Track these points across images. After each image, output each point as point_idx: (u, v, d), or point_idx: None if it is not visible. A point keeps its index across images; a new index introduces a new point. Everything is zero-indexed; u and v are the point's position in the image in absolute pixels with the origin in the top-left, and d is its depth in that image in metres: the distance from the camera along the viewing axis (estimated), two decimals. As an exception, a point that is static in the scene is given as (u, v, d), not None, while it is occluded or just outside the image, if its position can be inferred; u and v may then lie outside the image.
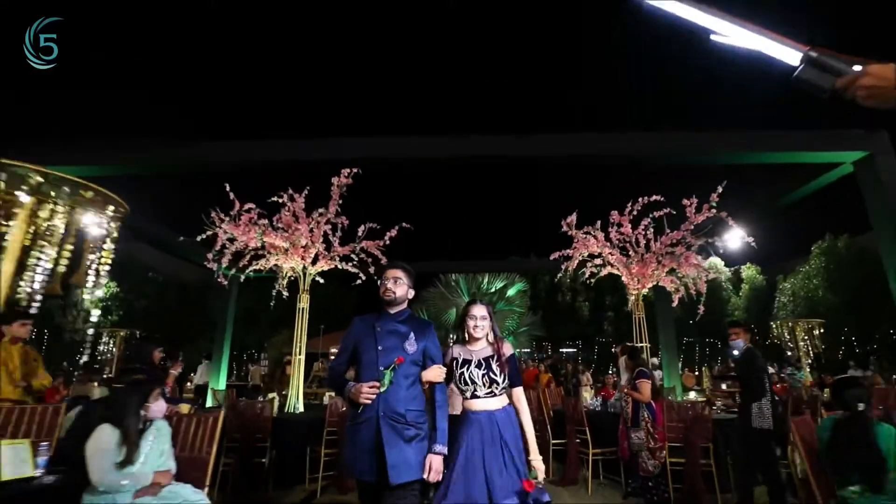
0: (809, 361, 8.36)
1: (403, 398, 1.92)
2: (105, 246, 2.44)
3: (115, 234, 2.49)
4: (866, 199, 4.01)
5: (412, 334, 2.04)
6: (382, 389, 1.88)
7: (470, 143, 4.25)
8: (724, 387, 6.58)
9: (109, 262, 2.52)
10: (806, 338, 8.76)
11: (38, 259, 2.24)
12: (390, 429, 1.85)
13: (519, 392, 2.19)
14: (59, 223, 2.23)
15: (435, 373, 2.02)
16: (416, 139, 4.33)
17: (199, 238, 5.70)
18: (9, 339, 2.94)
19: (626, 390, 3.86)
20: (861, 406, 2.28)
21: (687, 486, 3.76)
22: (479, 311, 2.22)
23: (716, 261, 19.31)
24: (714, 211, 4.94)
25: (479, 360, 2.14)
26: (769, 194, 5.42)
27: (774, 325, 9.96)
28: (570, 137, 4.47)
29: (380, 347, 1.98)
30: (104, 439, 2.18)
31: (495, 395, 2.09)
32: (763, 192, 5.59)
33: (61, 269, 2.59)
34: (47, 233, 2.27)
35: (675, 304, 5.61)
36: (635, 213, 5.57)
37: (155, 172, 5.09)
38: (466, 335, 2.23)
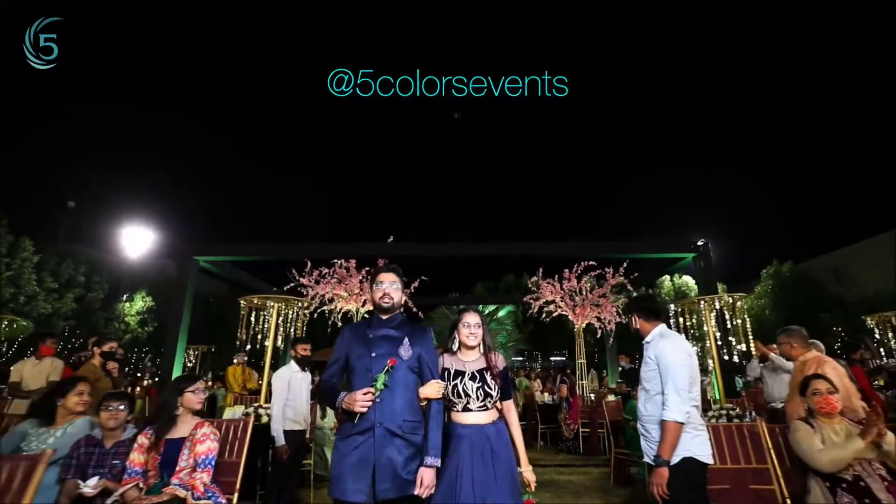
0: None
1: (400, 408, 1.90)
2: (297, 320, 5.55)
3: (306, 317, 5.59)
4: (697, 281, 7.18)
5: (406, 340, 2.03)
6: (376, 394, 1.86)
7: (467, 246, 7.47)
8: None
9: (303, 326, 5.63)
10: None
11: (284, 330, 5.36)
12: (385, 441, 1.83)
13: (510, 405, 2.21)
14: (291, 313, 5.36)
15: (434, 389, 2.00)
16: (432, 245, 7.54)
17: (285, 288, 8.89)
18: (238, 362, 6.13)
19: (555, 390, 7.07)
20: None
21: (591, 445, 6.94)
22: (473, 318, 2.21)
23: (687, 280, 22.56)
24: (622, 278, 8.17)
25: (472, 373, 2.11)
26: (657, 269, 8.70)
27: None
28: (541, 244, 7.76)
29: (373, 354, 1.96)
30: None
31: (487, 408, 2.08)
32: (653, 269, 8.90)
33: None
34: (298, 316, 5.40)
35: (598, 336, 8.83)
36: (579, 271, 8.79)
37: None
38: (458, 344, 2.21)
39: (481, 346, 2.22)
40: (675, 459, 2.21)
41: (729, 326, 5.46)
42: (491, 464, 1.96)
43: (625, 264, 8.13)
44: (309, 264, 8.77)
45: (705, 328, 5.06)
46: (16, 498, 1.67)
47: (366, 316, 9.22)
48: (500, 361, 2.21)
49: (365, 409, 1.84)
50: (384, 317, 2.10)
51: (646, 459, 2.38)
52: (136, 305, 21.73)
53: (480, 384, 2.09)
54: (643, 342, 2.58)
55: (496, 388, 2.11)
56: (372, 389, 1.86)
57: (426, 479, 1.84)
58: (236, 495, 2.51)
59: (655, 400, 2.36)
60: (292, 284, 8.79)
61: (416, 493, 1.83)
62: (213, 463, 2.43)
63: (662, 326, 2.55)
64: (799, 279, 18.23)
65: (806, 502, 2.37)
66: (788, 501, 2.45)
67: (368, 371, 1.94)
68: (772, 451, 2.58)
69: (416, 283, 9.27)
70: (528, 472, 2.11)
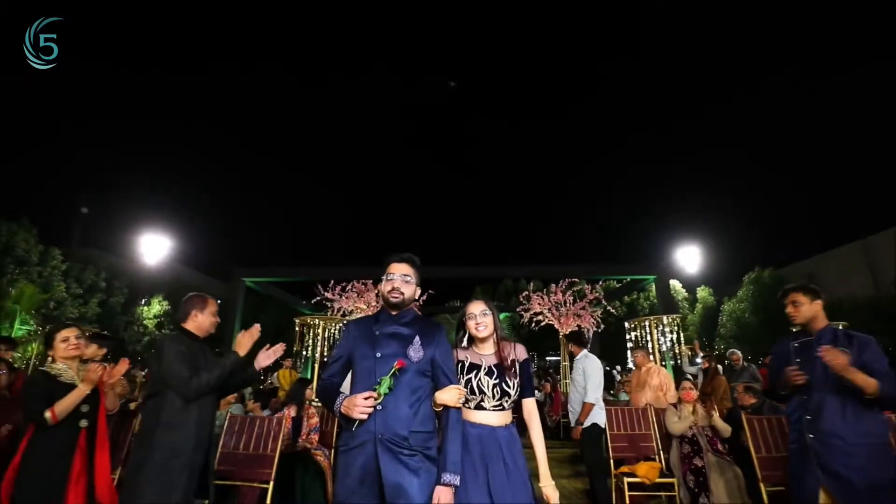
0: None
1: (406, 417, 1.73)
2: (336, 334, 7.29)
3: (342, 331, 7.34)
4: (658, 299, 8.96)
5: (417, 338, 1.87)
6: (379, 400, 1.70)
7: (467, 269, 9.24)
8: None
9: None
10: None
11: (326, 339, 7.10)
12: (390, 455, 1.66)
13: (530, 403, 2.05)
14: (332, 327, 7.09)
15: (453, 395, 1.82)
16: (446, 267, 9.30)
17: (312, 301, 10.66)
18: (287, 366, 7.92)
19: (540, 387, 8.88)
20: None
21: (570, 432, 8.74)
22: (478, 307, 2.10)
23: (674, 283, 24.38)
24: (597, 294, 9.96)
25: (489, 367, 2.00)
26: (628, 288, 10.52)
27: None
28: (531, 267, 9.57)
29: (378, 354, 1.83)
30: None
31: (504, 408, 1.96)
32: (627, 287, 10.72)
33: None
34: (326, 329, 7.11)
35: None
36: (564, 286, 10.58)
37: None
38: (469, 339, 2.14)
39: (495, 335, 2.09)
40: (586, 424, 4.00)
41: (674, 339, 7.24)
42: (503, 463, 1.84)
43: (601, 282, 9.92)
44: (332, 281, 10.55)
45: (650, 342, 6.85)
46: (276, 434, 3.37)
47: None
48: (520, 353, 2.07)
49: (365, 416, 1.69)
50: (394, 312, 1.96)
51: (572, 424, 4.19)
52: (154, 309, 23.39)
53: (498, 381, 1.96)
54: (575, 360, 4.36)
55: (515, 385, 1.97)
56: (374, 394, 1.71)
57: (443, 500, 1.67)
58: (332, 451, 4.27)
59: (580, 392, 4.16)
60: (318, 298, 10.57)
61: None
62: (319, 430, 4.19)
63: (585, 351, 4.36)
64: (776, 284, 20.00)
65: (669, 453, 4.14)
66: (661, 453, 4.21)
67: (372, 373, 1.79)
68: (654, 424, 4.34)
69: (424, 297, 11.04)
70: (549, 487, 1.89)
